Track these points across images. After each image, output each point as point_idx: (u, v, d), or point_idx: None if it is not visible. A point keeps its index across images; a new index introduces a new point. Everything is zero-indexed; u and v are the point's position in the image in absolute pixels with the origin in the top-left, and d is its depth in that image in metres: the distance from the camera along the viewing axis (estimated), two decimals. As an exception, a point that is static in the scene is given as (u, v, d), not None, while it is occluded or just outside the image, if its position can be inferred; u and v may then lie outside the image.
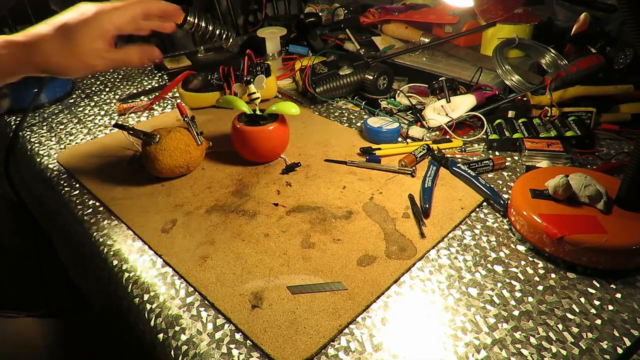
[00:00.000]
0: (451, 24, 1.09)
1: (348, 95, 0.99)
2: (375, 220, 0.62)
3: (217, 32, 1.05)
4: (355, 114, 0.93)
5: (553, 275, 0.53)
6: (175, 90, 1.06)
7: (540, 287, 0.51)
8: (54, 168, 0.78)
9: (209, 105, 0.96)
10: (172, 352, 0.46)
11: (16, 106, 0.97)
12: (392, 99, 0.95)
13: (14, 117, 0.97)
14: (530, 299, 0.50)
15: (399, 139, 0.82)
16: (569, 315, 0.48)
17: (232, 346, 0.45)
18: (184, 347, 0.46)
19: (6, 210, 1.19)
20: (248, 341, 0.46)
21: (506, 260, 0.55)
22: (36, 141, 0.87)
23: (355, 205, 0.65)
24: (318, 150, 0.79)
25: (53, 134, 0.89)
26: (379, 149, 0.77)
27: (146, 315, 0.51)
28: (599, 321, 0.47)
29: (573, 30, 0.96)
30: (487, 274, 0.53)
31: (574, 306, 0.49)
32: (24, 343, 0.75)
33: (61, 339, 0.80)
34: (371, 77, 0.94)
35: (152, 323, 0.50)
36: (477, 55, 1.03)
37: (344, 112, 0.94)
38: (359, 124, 0.89)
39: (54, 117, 0.96)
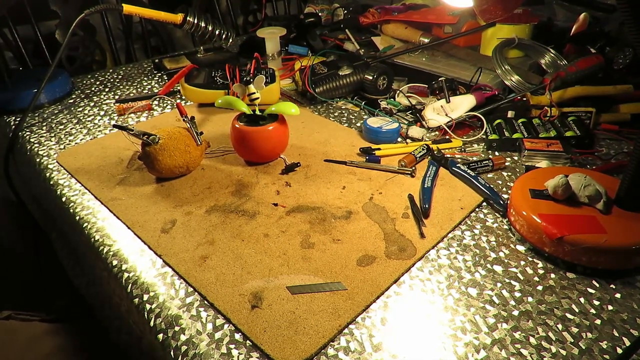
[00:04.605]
0: (451, 24, 1.09)
1: (348, 95, 0.99)
2: (374, 220, 0.62)
3: (217, 32, 1.06)
4: (355, 114, 0.93)
5: (553, 276, 0.53)
6: (178, 85, 1.06)
7: (539, 287, 0.51)
8: (54, 168, 0.78)
9: (211, 102, 0.94)
10: (172, 353, 0.46)
11: (16, 106, 0.98)
12: (392, 99, 0.95)
13: (13, 117, 0.97)
14: (530, 299, 0.50)
15: (399, 139, 0.82)
16: (569, 315, 0.48)
17: (232, 346, 0.45)
18: (184, 348, 0.46)
19: (6, 211, 1.19)
20: (248, 341, 0.46)
21: (506, 261, 0.55)
22: (36, 141, 0.87)
23: (355, 205, 0.65)
24: (318, 150, 0.79)
25: (53, 134, 0.89)
26: (379, 149, 0.77)
27: (146, 315, 0.51)
28: (598, 321, 0.47)
29: (573, 30, 0.96)
30: (487, 274, 0.53)
31: (573, 306, 0.49)
32: (39, 350, 0.75)
33: (64, 341, 0.80)
34: (371, 77, 0.94)
35: (151, 323, 0.50)
36: (476, 55, 1.03)
37: (343, 112, 0.94)
38: (358, 124, 0.89)
39: (53, 117, 0.96)
